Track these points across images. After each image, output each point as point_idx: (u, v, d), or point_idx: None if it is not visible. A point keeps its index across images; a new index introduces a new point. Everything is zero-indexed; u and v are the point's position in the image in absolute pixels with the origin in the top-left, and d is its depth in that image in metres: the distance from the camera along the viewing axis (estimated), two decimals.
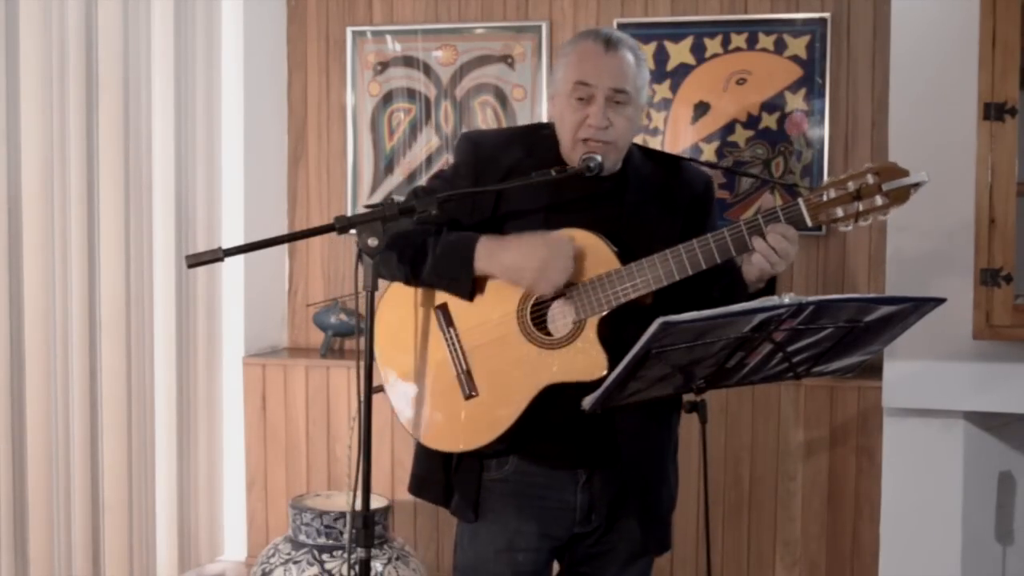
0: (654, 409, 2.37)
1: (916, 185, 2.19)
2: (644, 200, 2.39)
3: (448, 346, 2.37)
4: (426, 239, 2.35)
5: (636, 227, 2.36)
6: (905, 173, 2.20)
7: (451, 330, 2.38)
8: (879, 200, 2.20)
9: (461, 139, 2.49)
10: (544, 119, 4.15)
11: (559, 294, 2.32)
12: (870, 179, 2.20)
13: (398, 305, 2.43)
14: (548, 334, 2.34)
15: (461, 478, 2.42)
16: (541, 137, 2.44)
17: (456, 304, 2.38)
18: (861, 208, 2.20)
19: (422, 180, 4.41)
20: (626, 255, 2.29)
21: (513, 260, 2.30)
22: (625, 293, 2.26)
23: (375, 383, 2.30)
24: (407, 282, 2.40)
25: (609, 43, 2.34)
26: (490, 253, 2.32)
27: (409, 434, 2.44)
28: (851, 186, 2.20)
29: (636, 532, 2.44)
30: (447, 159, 4.47)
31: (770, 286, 2.34)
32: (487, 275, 2.34)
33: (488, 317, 2.35)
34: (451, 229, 2.37)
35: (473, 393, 2.36)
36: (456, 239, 2.35)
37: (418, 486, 2.52)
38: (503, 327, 2.34)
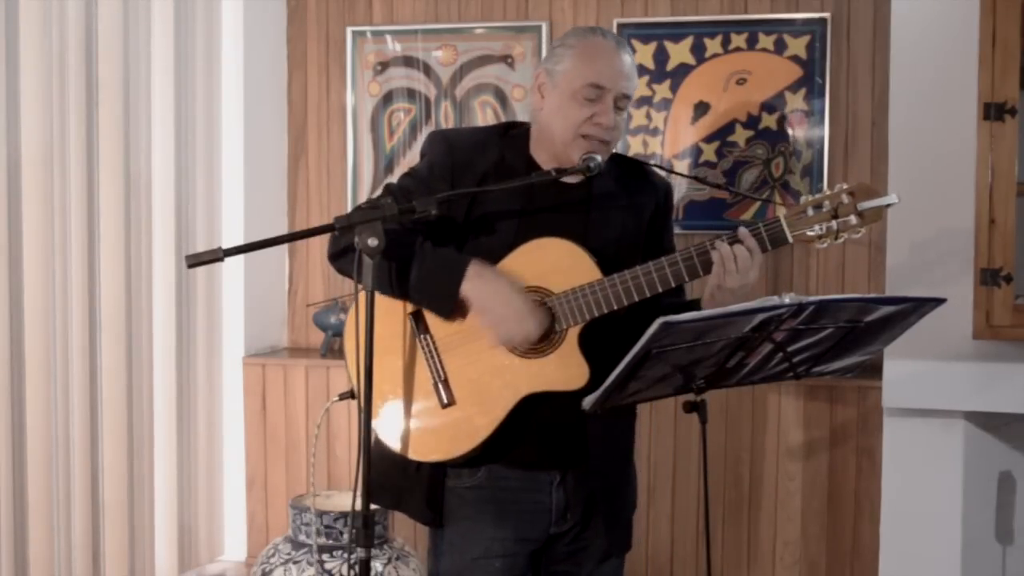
0: (617, 413, 2.35)
1: (889, 205, 2.28)
2: (612, 206, 2.39)
3: (424, 354, 2.32)
4: (411, 251, 2.28)
5: (603, 232, 2.36)
6: (878, 193, 2.28)
7: (426, 337, 2.32)
8: (853, 219, 2.27)
9: (434, 138, 2.42)
10: None
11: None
12: (845, 199, 2.27)
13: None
14: None
15: (420, 481, 2.36)
16: (512, 139, 2.42)
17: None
18: (836, 227, 2.27)
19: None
20: (598, 260, 2.29)
21: (490, 299, 2.24)
22: (608, 303, 2.26)
23: (345, 390, 2.26)
24: (383, 292, 2.32)
25: (619, 42, 2.35)
26: (479, 277, 2.26)
27: (387, 446, 2.35)
28: (827, 205, 2.27)
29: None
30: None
31: None
32: (467, 301, 2.27)
33: (465, 324, 2.31)
34: (444, 228, 2.34)
35: (450, 402, 2.31)
36: (443, 259, 2.28)
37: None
38: (481, 334, 2.29)
